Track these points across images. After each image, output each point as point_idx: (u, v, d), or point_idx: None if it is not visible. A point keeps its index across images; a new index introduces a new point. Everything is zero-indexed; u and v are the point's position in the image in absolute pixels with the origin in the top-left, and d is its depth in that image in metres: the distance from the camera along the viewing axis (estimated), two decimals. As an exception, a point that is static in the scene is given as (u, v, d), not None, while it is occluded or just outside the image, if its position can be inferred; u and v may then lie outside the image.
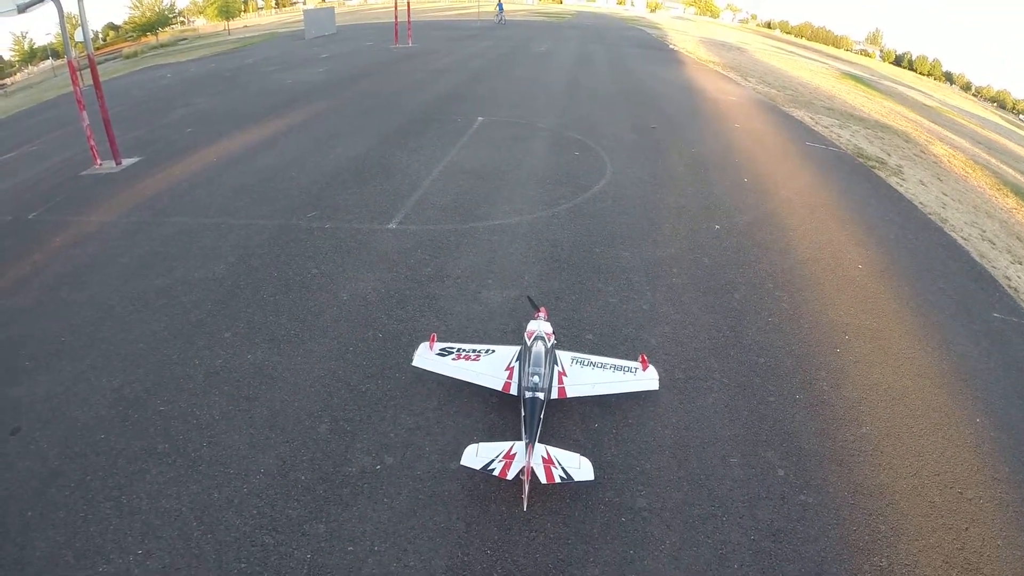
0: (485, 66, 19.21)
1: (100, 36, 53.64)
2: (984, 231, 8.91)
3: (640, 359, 4.20)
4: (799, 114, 14.89)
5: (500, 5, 38.54)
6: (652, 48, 28.43)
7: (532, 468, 3.19)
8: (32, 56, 48.36)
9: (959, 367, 4.88)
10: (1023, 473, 3.82)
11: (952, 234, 7.94)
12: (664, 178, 8.78)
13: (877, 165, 10.85)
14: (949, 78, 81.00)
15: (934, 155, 14.97)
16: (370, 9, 57.46)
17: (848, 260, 6.58)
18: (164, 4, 48.10)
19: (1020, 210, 12.64)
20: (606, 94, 15.16)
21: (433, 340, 4.29)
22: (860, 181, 9.70)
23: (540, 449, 3.34)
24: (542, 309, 4.42)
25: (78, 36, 13.84)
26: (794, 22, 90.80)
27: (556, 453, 3.34)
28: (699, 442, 3.86)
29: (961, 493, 3.62)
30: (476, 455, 3.32)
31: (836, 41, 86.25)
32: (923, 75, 76.02)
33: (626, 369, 4.12)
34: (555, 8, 65.22)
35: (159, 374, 4.46)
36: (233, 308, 5.32)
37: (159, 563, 3.03)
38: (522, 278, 5.78)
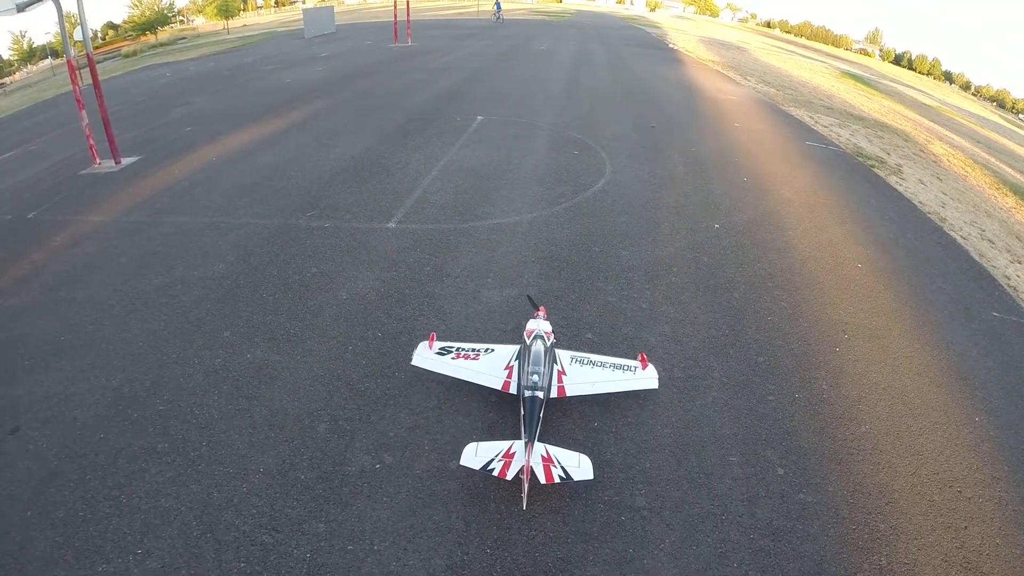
0: (484, 65, 19.20)
1: (99, 35, 53.66)
2: (983, 230, 8.91)
3: (639, 358, 4.19)
4: (798, 113, 14.88)
5: (498, 4, 38.61)
6: (652, 47, 28.41)
7: (532, 467, 3.19)
8: (31, 55, 48.34)
9: (958, 366, 4.89)
10: (1022, 472, 3.83)
11: (951, 233, 7.94)
12: (663, 177, 8.78)
13: (876, 164, 10.85)
14: (948, 77, 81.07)
15: (933, 154, 14.98)
16: (369, 8, 57.42)
17: (847, 259, 6.58)
18: (163, 3, 48.14)
19: (1019, 209, 12.64)
20: (606, 93, 15.16)
21: (432, 339, 4.29)
22: (859, 180, 9.69)
23: (539, 448, 3.34)
24: (541, 308, 4.42)
25: (77, 35, 13.82)
26: (794, 21, 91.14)
27: (555, 452, 3.35)
28: (698, 441, 3.86)
29: (960, 492, 3.62)
30: (475, 454, 3.32)
31: (836, 40, 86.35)
32: (922, 74, 76.09)
33: (625, 368, 4.12)
34: (555, 7, 65.18)
35: (158, 373, 4.45)
36: (232, 307, 5.32)
37: (158, 562, 3.03)
38: (521, 277, 5.78)
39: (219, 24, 50.93)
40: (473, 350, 4.23)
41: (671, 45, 30.01)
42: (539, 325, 4.12)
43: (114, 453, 3.72)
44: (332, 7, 39.14)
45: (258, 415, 4.01)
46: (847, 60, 56.36)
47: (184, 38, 45.42)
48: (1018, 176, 18.59)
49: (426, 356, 4.19)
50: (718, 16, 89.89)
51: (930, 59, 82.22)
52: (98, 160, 9.66)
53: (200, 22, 57.14)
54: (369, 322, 5.05)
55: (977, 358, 5.05)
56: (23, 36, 47.78)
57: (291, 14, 56.96)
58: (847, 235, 7.24)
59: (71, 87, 9.39)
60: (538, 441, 3.41)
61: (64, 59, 11.95)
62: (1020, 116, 68.16)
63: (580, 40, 28.64)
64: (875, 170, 10.41)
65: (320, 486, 3.47)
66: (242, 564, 3.03)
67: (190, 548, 3.11)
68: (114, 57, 36.88)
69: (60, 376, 4.46)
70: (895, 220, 8.03)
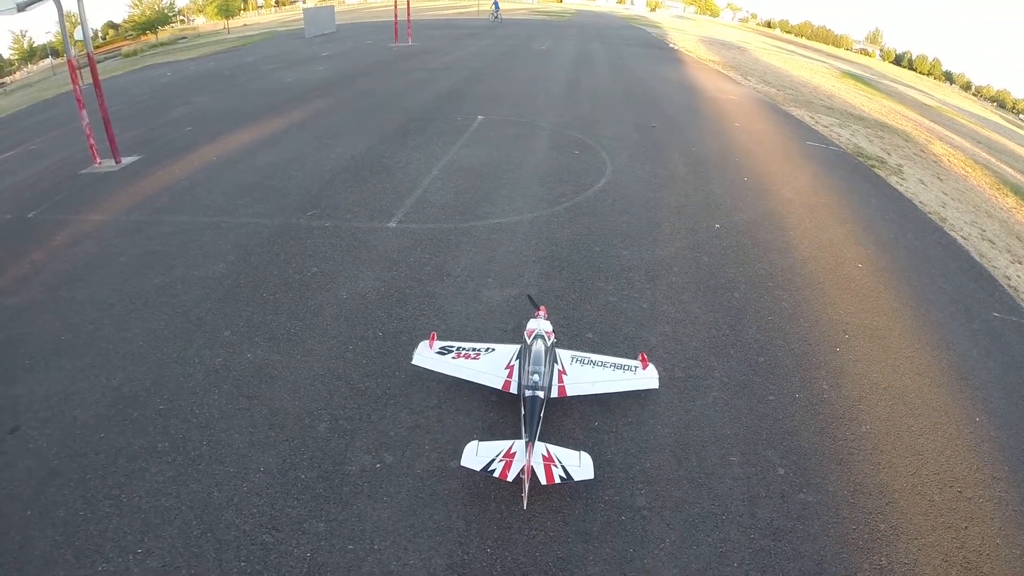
0: (485, 65, 19.20)
1: (99, 35, 53.66)
2: (984, 230, 8.91)
3: (640, 358, 4.19)
4: (799, 113, 14.88)
5: (496, 4, 38.60)
6: (652, 47, 28.40)
7: (532, 467, 3.19)
8: (31, 55, 48.34)
9: (959, 366, 4.89)
10: (1022, 472, 3.83)
11: (952, 233, 7.94)
12: (664, 177, 8.78)
13: (877, 164, 10.85)
14: (949, 77, 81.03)
15: (934, 154, 14.97)
16: (370, 8, 57.41)
17: (848, 259, 6.58)
18: (164, 3, 48.18)
19: (1020, 209, 12.64)
20: (606, 93, 15.15)
21: (433, 339, 4.29)
22: (860, 180, 9.69)
23: (540, 447, 3.34)
24: (542, 308, 4.42)
25: (77, 35, 13.82)
26: (794, 21, 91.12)
27: (556, 451, 3.35)
28: (699, 441, 3.86)
29: (960, 492, 3.62)
30: (476, 454, 3.32)
31: (836, 40, 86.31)
32: (923, 74, 76.05)
33: (626, 368, 4.12)
34: (555, 7, 65.16)
35: (158, 373, 4.45)
36: (233, 307, 5.32)
37: (159, 562, 3.03)
38: (522, 277, 5.77)
39: (219, 24, 50.97)
40: (474, 349, 4.23)
41: (672, 45, 30.00)
42: (540, 325, 4.12)
43: (114, 452, 3.71)
44: (332, 7, 39.11)
45: (258, 414, 4.01)
46: (847, 60, 56.34)
47: (184, 38, 45.44)
48: (1018, 176, 18.59)
49: (426, 355, 4.19)
50: (718, 16, 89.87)
51: (930, 59, 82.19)
52: (98, 159, 9.65)
53: (200, 22, 57.15)
54: (369, 321, 5.05)
55: (978, 358, 5.04)
56: (23, 35, 47.84)
57: (291, 14, 56.94)
58: (848, 235, 7.24)
59: (71, 86, 9.39)
60: (539, 441, 3.41)
61: (64, 58, 11.94)
62: (1020, 116, 68.12)
63: (581, 40, 28.63)
64: (876, 170, 10.40)
65: (320, 485, 3.47)
66: (242, 563, 3.02)
67: (190, 547, 3.10)
68: (114, 56, 36.90)
69: (60, 375, 4.45)
70: (896, 220, 8.03)
